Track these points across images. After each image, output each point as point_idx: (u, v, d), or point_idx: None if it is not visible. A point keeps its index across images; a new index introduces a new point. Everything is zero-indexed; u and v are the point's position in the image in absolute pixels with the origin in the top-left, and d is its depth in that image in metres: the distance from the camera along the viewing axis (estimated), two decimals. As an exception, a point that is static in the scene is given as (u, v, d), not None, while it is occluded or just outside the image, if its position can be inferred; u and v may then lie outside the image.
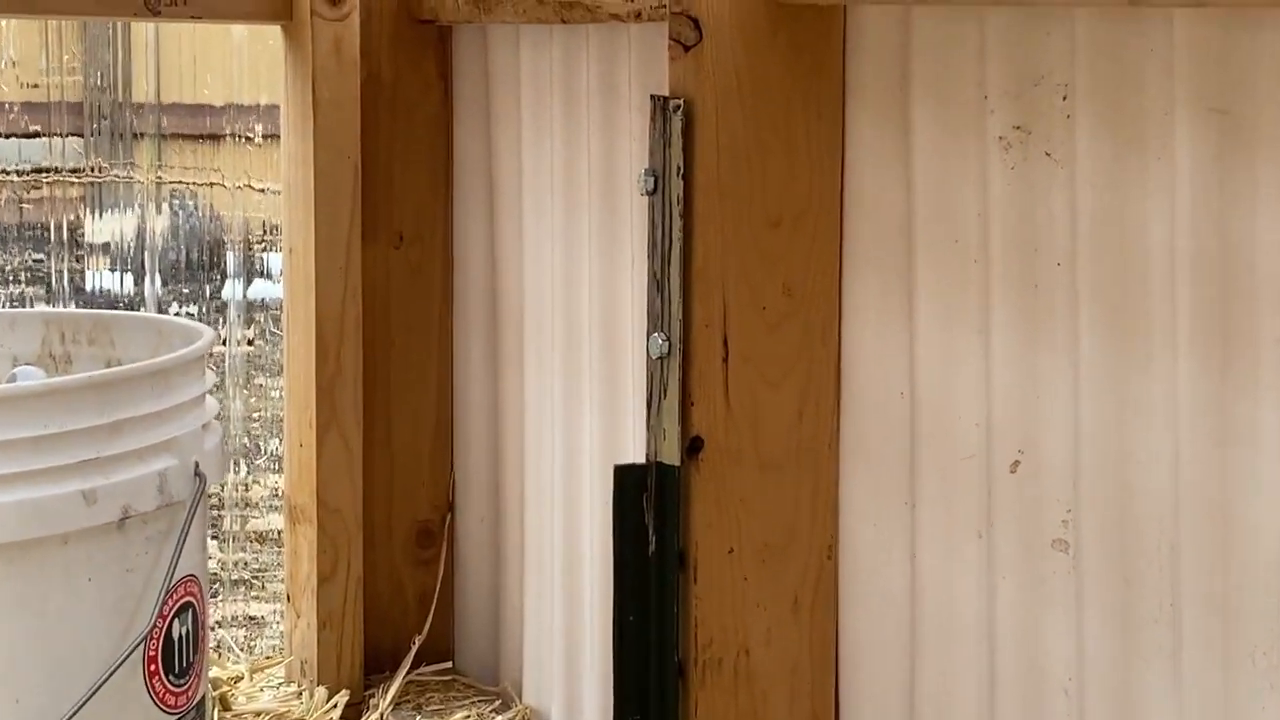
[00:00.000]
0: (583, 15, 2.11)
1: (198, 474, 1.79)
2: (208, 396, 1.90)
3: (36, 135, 3.34)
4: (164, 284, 3.63)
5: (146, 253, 3.55)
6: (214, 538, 3.23)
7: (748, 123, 1.77)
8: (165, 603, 1.78)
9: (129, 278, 3.58)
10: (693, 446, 1.78)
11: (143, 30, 3.32)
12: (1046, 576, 1.64)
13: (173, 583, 1.78)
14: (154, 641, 1.77)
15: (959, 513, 1.73)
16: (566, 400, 2.35)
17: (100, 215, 3.54)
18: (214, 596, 3.21)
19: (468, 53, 2.56)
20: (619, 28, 2.17)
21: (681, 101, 1.75)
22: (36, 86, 3.14)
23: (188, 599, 1.82)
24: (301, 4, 2.44)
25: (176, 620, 1.80)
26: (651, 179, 1.78)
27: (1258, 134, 1.41)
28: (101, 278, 3.65)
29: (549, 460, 2.41)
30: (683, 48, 1.76)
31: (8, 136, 3.18)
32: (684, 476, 1.78)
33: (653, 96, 1.78)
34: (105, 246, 3.65)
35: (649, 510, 1.79)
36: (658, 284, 1.79)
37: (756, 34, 1.76)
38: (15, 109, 3.15)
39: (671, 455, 1.78)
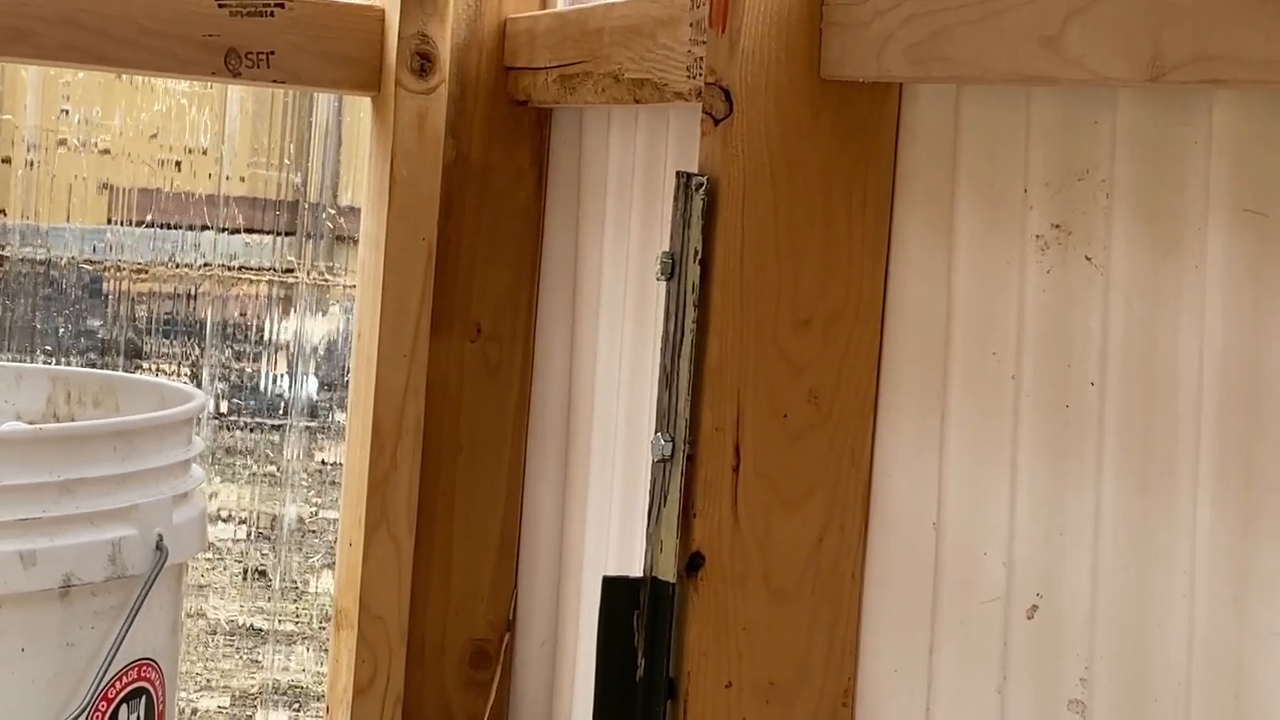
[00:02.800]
0: (653, 94, 2.07)
1: (160, 547, 1.75)
2: (193, 465, 1.85)
3: (236, 230, 3.42)
4: (320, 388, 3.67)
5: (304, 354, 3.60)
6: (305, 643, 3.22)
7: (780, 208, 1.70)
8: (113, 685, 1.73)
9: (285, 380, 3.64)
10: (692, 563, 1.70)
11: (319, 138, 3.40)
12: None
13: (122, 664, 1.73)
14: (93, 728, 1.72)
15: (978, 664, 1.62)
16: (623, 516, 2.29)
17: (288, 317, 3.60)
18: (296, 708, 3.18)
19: (563, 138, 2.54)
20: (695, 110, 2.12)
21: (705, 179, 1.69)
22: (243, 181, 3.22)
23: (142, 685, 1.77)
24: (388, 74, 2.43)
25: (125, 706, 1.75)
26: (669, 263, 1.73)
27: None
28: (279, 380, 3.70)
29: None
30: (713, 121, 1.71)
31: (197, 230, 3.24)
32: (680, 596, 1.71)
33: (678, 172, 1.73)
34: (273, 346, 3.71)
35: (639, 630, 1.73)
36: (667, 379, 1.72)
37: (796, 111, 1.70)
38: (232, 204, 3.23)
39: (668, 571, 1.71)
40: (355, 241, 3.48)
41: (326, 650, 2.79)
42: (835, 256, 1.72)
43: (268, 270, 3.57)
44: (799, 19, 1.69)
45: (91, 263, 3.17)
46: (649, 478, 1.75)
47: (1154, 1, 1.28)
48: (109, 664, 1.72)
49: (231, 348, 3.31)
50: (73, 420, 2.03)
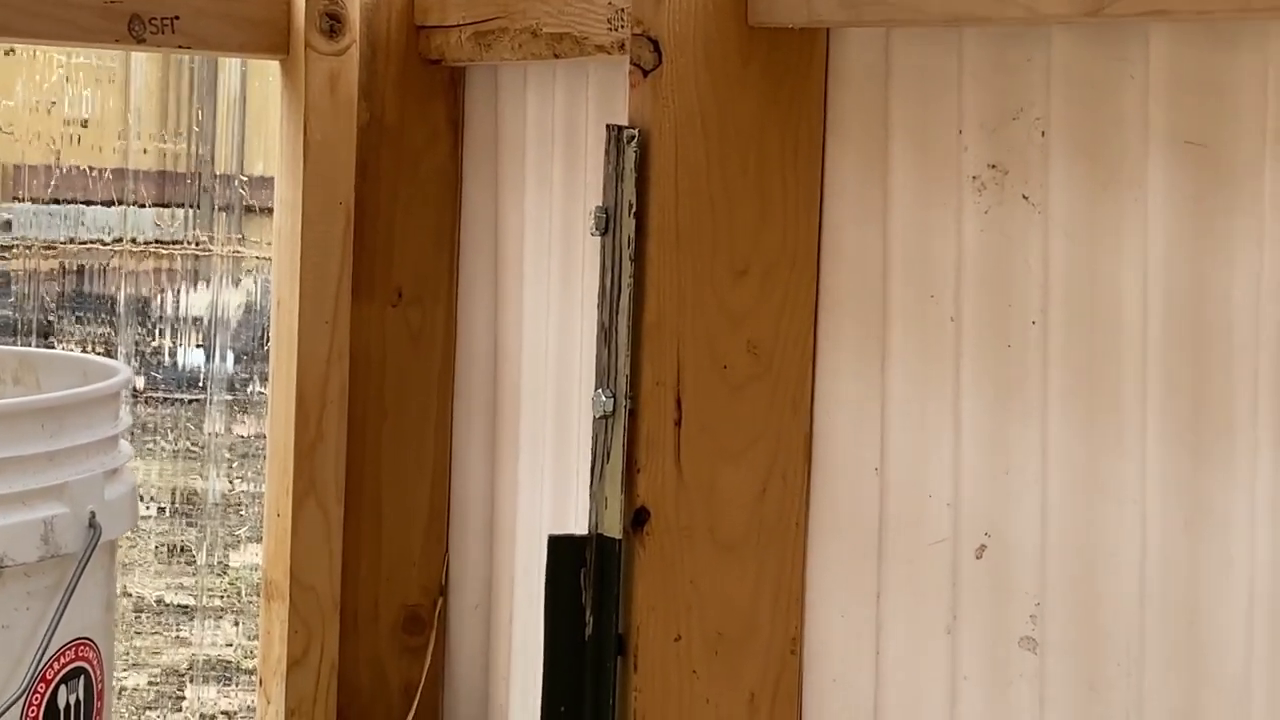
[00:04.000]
0: (572, 48, 2.07)
1: (93, 524, 1.73)
2: (120, 441, 1.84)
3: (110, 203, 3.38)
4: (236, 361, 3.65)
5: (217, 329, 3.57)
6: (234, 624, 3.21)
7: (712, 159, 1.70)
8: (50, 666, 1.72)
9: (199, 354, 3.60)
10: (637, 519, 1.71)
11: (227, 104, 3.36)
12: (1013, 679, 1.54)
13: (59, 644, 1.72)
14: (34, 709, 1.70)
15: (927, 604, 1.64)
16: (556, 477, 2.29)
17: (192, 290, 3.56)
18: (227, 683, 3.18)
19: (478, 97, 2.52)
20: (618, 65, 2.11)
21: (637, 131, 1.69)
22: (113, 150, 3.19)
23: (80, 664, 1.76)
24: (297, 36, 2.41)
25: (64, 686, 1.74)
26: (603, 217, 1.73)
27: (1233, 172, 1.32)
28: (173, 353, 3.66)
29: (539, 542, 2.34)
30: (642, 72, 1.71)
31: (102, 205, 3.22)
32: (627, 552, 1.71)
33: (608, 126, 1.73)
34: (178, 320, 3.67)
35: (587, 588, 1.73)
36: (605, 335, 1.73)
37: (725, 60, 1.70)
38: (103, 176, 3.20)
39: (613, 527, 1.72)
40: (265, 212, 3.46)
41: (257, 623, 2.78)
42: (769, 205, 1.73)
43: (178, 244, 3.54)
44: None
45: None
46: (590, 435, 1.75)
47: None
48: (46, 645, 1.71)
49: (144, 324, 3.29)
50: (-8, 396, 2.01)
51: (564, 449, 2.27)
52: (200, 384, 3.63)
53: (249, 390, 3.69)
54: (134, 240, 3.49)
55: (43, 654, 1.71)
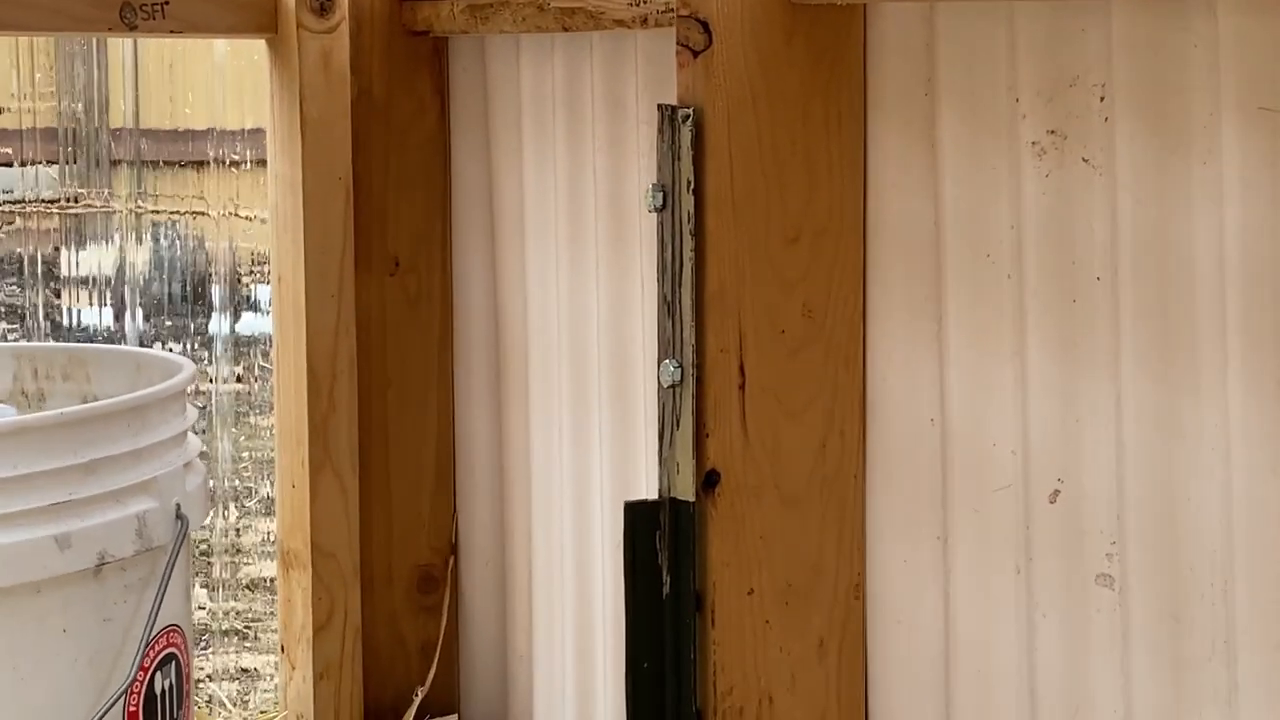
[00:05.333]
0: (585, 22, 2.10)
1: (179, 516, 1.77)
2: (189, 434, 1.87)
3: (8, 164, 3.33)
4: (146, 319, 3.62)
5: (127, 286, 3.54)
6: (203, 586, 3.22)
7: (763, 133, 1.75)
8: (146, 655, 1.76)
9: (109, 312, 3.57)
10: (708, 481, 1.76)
11: (119, 50, 3.30)
12: (1091, 614, 1.62)
13: (154, 633, 1.76)
14: (134, 696, 1.74)
15: (995, 547, 1.71)
16: (575, 434, 2.33)
17: (78, 247, 3.52)
18: (204, 648, 3.19)
19: (465, 66, 2.55)
20: (625, 35, 2.15)
21: (691, 110, 1.73)
22: (2, 112, 3.14)
23: (171, 650, 1.80)
24: (287, 16, 2.42)
25: (159, 673, 1.78)
26: (660, 194, 1.76)
27: None
28: (80, 313, 3.63)
29: (557, 498, 2.39)
30: (691, 53, 1.74)
31: None
32: (700, 513, 1.76)
33: (660, 106, 1.76)
34: (84, 279, 3.63)
35: (662, 550, 1.77)
36: (668, 307, 1.77)
37: (771, 38, 1.74)
38: None
39: (686, 490, 1.76)
40: (167, 165, 3.43)
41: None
42: (816, 174, 1.78)
43: (55, 202, 3.51)
44: None
45: None
46: (658, 405, 1.79)
47: None
48: (149, 635, 1.75)
49: (29, 281, 3.26)
50: (45, 397, 2.03)
51: (583, 409, 2.31)
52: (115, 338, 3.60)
53: (156, 348, 3.68)
54: (36, 200, 3.46)
55: (144, 644, 1.74)
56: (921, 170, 1.75)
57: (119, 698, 1.72)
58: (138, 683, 1.75)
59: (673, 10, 1.82)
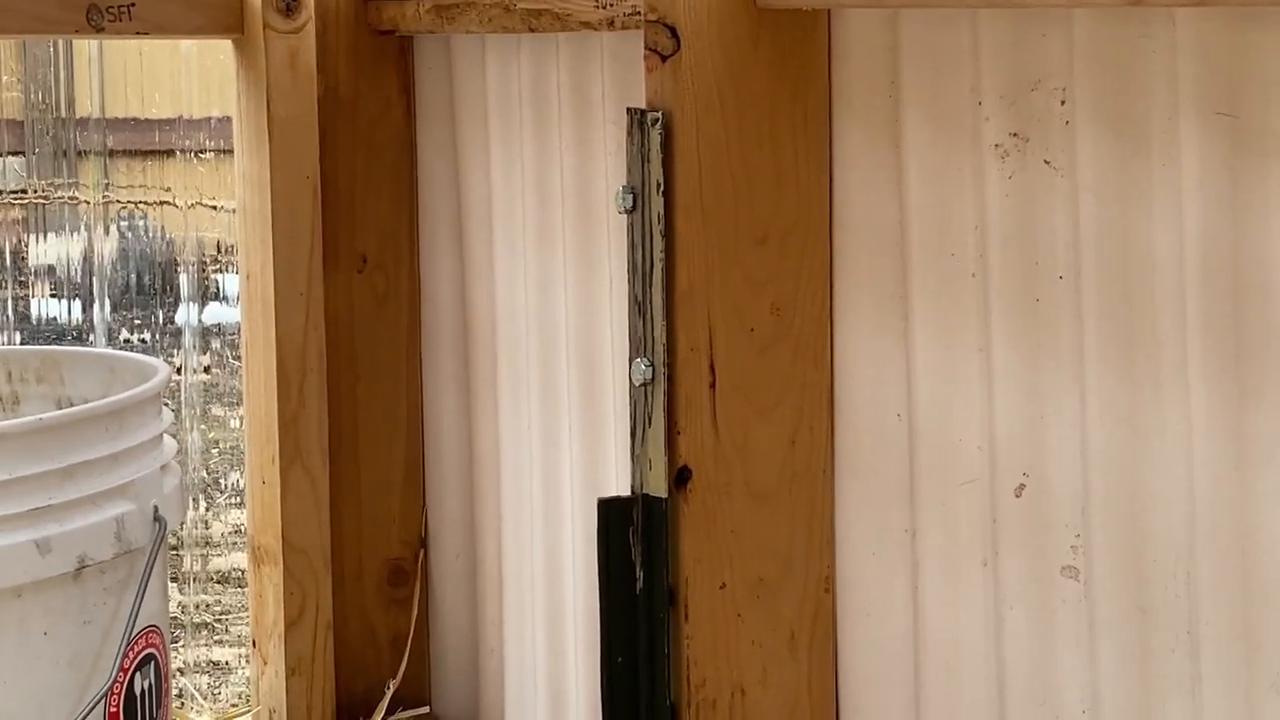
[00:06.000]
0: (551, 24, 2.11)
1: (157, 518, 1.79)
2: (165, 436, 1.88)
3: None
4: (113, 309, 3.61)
5: (94, 277, 3.53)
6: (173, 579, 3.23)
7: (730, 135, 1.76)
8: (126, 656, 1.77)
9: (76, 304, 3.56)
10: (680, 477, 1.76)
11: (85, 43, 3.30)
12: (1056, 606, 1.63)
13: (134, 634, 1.77)
14: (115, 697, 1.76)
15: (962, 540, 1.72)
16: (544, 429, 2.35)
17: (44, 238, 3.51)
18: (175, 641, 3.20)
19: (430, 65, 2.56)
20: (591, 37, 2.16)
21: (660, 114, 1.74)
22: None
23: (150, 650, 1.81)
24: (253, 16, 2.44)
25: (138, 674, 1.79)
26: (630, 196, 1.77)
27: (1266, 140, 1.40)
28: (47, 304, 3.62)
29: (527, 492, 2.40)
30: (660, 57, 1.75)
31: None
32: (672, 509, 1.77)
33: (629, 109, 1.77)
34: (50, 270, 3.62)
35: (636, 545, 1.78)
36: (639, 307, 1.78)
37: (738, 42, 1.75)
38: None
39: (658, 487, 1.77)
40: (131, 154, 3.42)
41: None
42: (783, 176, 1.78)
43: (20, 193, 3.50)
44: None
45: None
46: (629, 401, 1.80)
47: None
48: (129, 636, 1.76)
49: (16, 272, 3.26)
50: (20, 401, 2.03)
51: (552, 405, 2.32)
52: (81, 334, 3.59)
53: (123, 339, 3.67)
54: (1, 191, 3.44)
55: (122, 646, 1.75)
56: (886, 171, 1.77)
57: (100, 699, 1.73)
58: (118, 684, 1.76)
59: (639, 13, 1.83)
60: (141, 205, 3.38)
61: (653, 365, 1.77)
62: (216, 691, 2.96)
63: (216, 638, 3.14)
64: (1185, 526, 1.51)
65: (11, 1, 2.34)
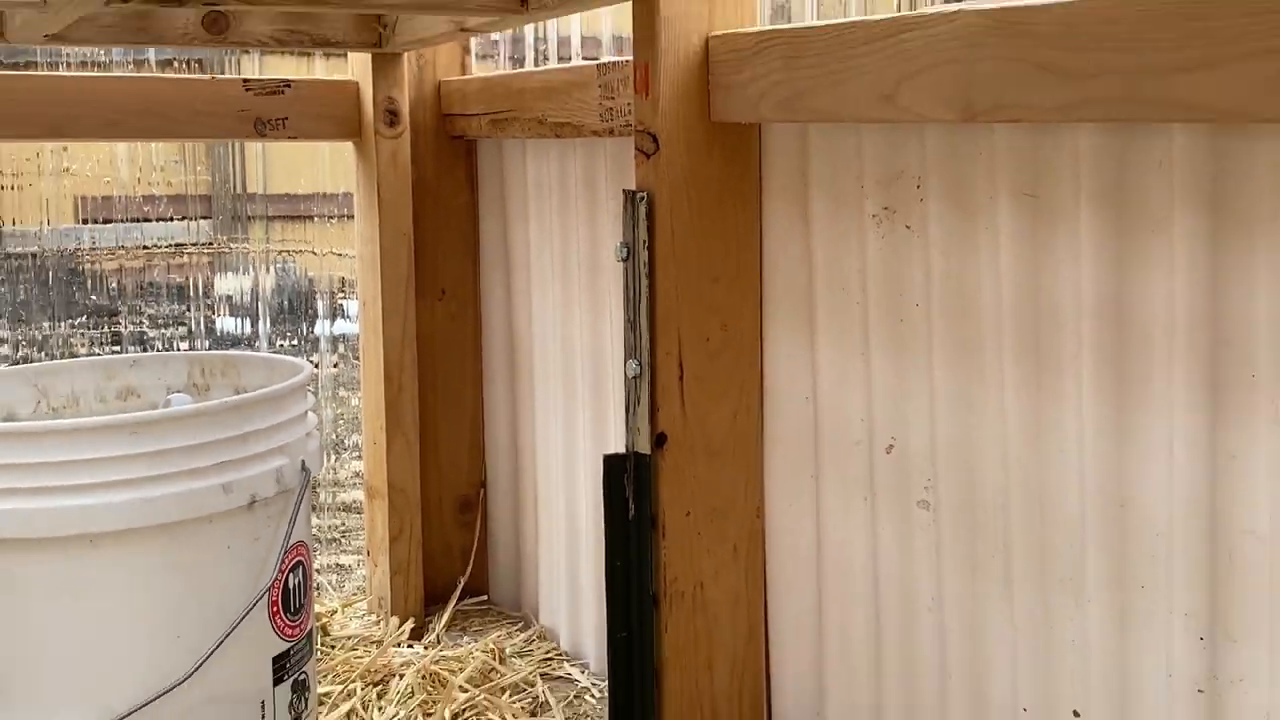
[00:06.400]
0: (571, 132, 2.11)
1: (303, 469, 1.77)
2: (309, 413, 1.88)
3: (177, 219, 3.31)
4: (271, 325, 3.59)
5: (258, 302, 3.51)
6: (313, 509, 3.21)
7: (693, 209, 1.76)
8: (283, 562, 1.75)
9: (246, 321, 3.54)
10: (659, 440, 1.77)
11: (254, 144, 3.28)
12: (914, 529, 1.64)
13: (288, 548, 1.76)
14: (275, 590, 1.75)
15: (850, 483, 1.73)
16: (565, 409, 2.35)
17: (224, 276, 3.50)
18: (314, 552, 3.18)
19: (487, 160, 2.56)
20: (598, 141, 2.17)
21: (645, 194, 1.75)
22: (170, 185, 3.12)
23: (299, 559, 1.80)
24: (368, 127, 2.43)
25: (291, 574, 1.78)
26: (625, 250, 1.78)
27: (1057, 213, 1.41)
28: (226, 322, 3.60)
29: (553, 451, 2.40)
30: (645, 155, 1.76)
31: (158, 221, 3.15)
32: (653, 462, 1.77)
33: (625, 191, 1.78)
34: (229, 298, 3.60)
35: (629, 486, 1.79)
36: (631, 325, 1.78)
37: (697, 145, 1.75)
38: (163, 201, 3.13)
39: (644, 447, 1.78)
40: (259, 218, 3.40)
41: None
42: (728, 236, 1.78)
43: (219, 244, 3.47)
44: (696, 86, 1.73)
45: (83, 252, 3.07)
46: (620, 391, 1.81)
47: (961, 73, 1.34)
48: (285, 549, 1.75)
49: (203, 301, 3.24)
50: (209, 390, 2.02)
51: (571, 396, 2.33)
52: (250, 343, 3.57)
53: (279, 344, 3.64)
54: (195, 244, 3.42)
55: (281, 555, 1.74)
56: (799, 233, 1.77)
57: (265, 591, 1.72)
58: (277, 581, 1.75)
59: (630, 124, 1.83)
60: (291, 253, 3.36)
61: (640, 364, 1.77)
62: (342, 585, 2.96)
63: (342, 549, 3.13)
64: (1001, 473, 1.51)
65: (204, 118, 2.35)
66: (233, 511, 1.68)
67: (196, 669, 1.65)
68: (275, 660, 1.74)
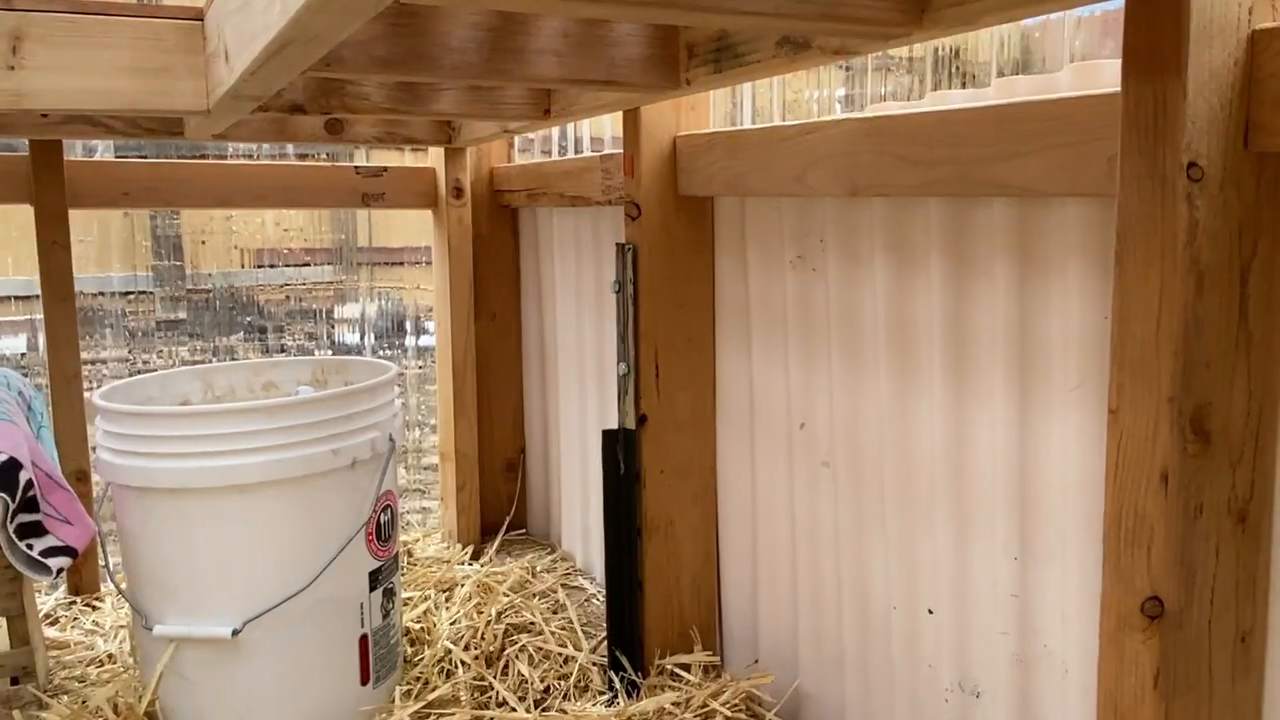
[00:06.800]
0: (582, 202, 2.12)
1: (390, 440, 1.78)
2: (395, 400, 1.89)
3: (309, 264, 3.32)
4: (375, 339, 3.61)
5: (366, 323, 3.53)
6: (404, 467, 3.22)
7: (665, 257, 1.77)
8: (376, 505, 1.76)
9: (357, 336, 3.56)
10: (641, 420, 1.78)
11: (364, 211, 3.31)
12: (820, 482, 1.64)
13: (380, 495, 1.77)
14: (371, 525, 1.75)
15: (775, 450, 1.73)
16: (579, 398, 2.35)
17: (344, 305, 3.51)
18: (401, 496, 3.18)
19: (526, 221, 2.56)
20: (601, 209, 2.18)
21: (632, 245, 1.76)
22: (305, 240, 3.14)
23: (388, 503, 1.81)
24: (441, 199, 2.45)
25: (382, 514, 1.78)
26: (618, 285, 1.79)
27: (915, 260, 1.42)
28: (344, 336, 3.62)
29: (570, 428, 2.41)
30: (631, 218, 1.77)
31: (296, 266, 3.16)
32: (638, 435, 1.78)
33: (618, 243, 1.79)
34: (347, 320, 3.61)
35: (621, 452, 1.79)
36: (622, 337, 1.79)
37: (669, 211, 1.76)
38: (299, 252, 3.15)
39: (631, 424, 1.78)
40: (387, 264, 3.41)
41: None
42: (691, 277, 1.79)
43: (331, 283, 3.49)
44: (667, 170, 1.75)
45: (244, 288, 3.09)
46: (615, 384, 1.81)
47: (848, 162, 1.37)
48: (377, 496, 1.76)
49: (330, 321, 3.25)
50: (326, 383, 2.03)
51: (584, 389, 2.33)
52: (359, 351, 3.58)
53: (380, 353, 3.64)
54: (322, 282, 3.43)
55: (375, 500, 1.75)
56: (740, 274, 1.77)
57: (363, 526, 1.73)
58: (372, 519, 1.75)
59: (622, 198, 1.84)
60: (389, 289, 3.36)
61: (628, 365, 1.77)
62: (424, 522, 2.96)
63: (425, 496, 3.13)
64: (877, 443, 1.51)
65: (325, 194, 2.35)
66: (340, 470, 1.69)
67: (314, 580, 1.66)
68: (371, 574, 1.75)
